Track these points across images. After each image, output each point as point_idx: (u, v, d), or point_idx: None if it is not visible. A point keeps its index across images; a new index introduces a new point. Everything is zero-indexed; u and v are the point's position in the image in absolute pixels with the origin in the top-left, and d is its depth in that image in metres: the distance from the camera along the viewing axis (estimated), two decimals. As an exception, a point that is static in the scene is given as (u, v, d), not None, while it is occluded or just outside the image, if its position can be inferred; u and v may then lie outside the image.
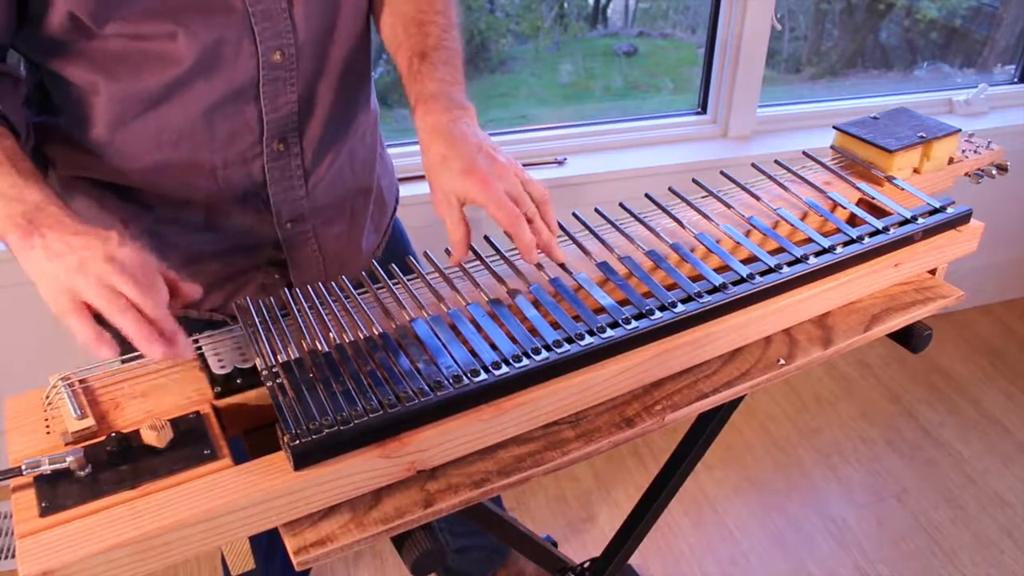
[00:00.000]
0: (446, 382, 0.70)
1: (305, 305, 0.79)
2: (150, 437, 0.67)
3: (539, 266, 0.84)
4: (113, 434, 0.67)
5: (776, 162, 1.03)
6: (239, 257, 0.99)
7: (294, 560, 0.65)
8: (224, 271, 0.98)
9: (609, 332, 0.76)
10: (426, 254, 0.88)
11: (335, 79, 0.94)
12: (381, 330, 0.76)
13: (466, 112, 0.87)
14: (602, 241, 0.88)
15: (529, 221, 0.81)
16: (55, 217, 0.72)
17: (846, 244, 0.87)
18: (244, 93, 0.87)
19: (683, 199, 0.95)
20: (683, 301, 0.79)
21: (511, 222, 0.79)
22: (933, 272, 0.96)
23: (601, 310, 0.79)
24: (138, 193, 0.92)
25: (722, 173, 1.00)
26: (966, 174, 1.08)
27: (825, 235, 0.89)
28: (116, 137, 0.87)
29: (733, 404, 0.97)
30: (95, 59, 0.82)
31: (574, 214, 0.92)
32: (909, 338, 0.93)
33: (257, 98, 0.88)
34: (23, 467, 0.64)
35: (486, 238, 0.89)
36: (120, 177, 0.90)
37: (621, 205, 0.94)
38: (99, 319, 0.69)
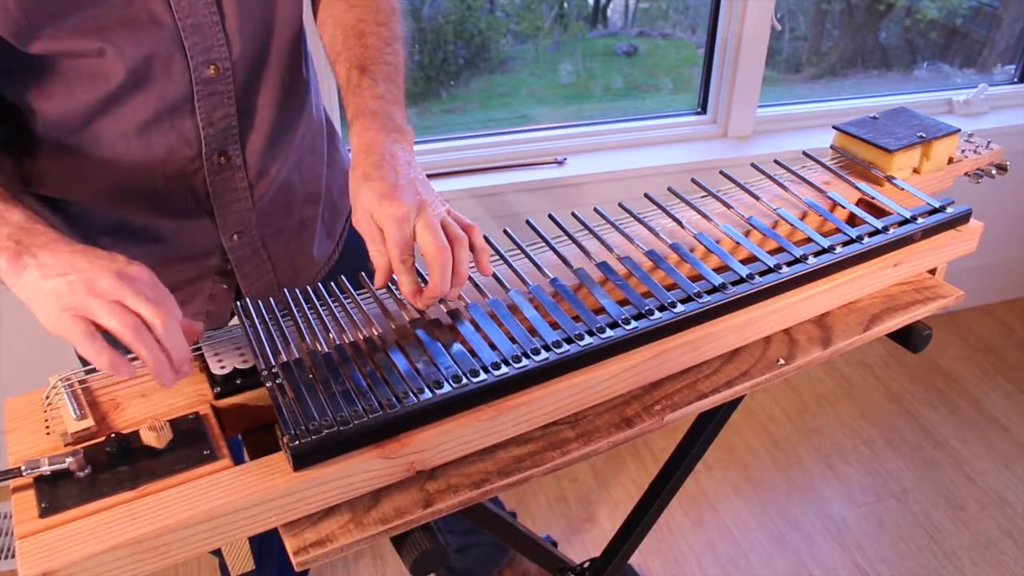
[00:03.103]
0: (445, 382, 0.70)
1: (305, 306, 0.79)
2: (149, 438, 0.67)
3: (535, 267, 0.84)
4: (113, 435, 0.67)
5: (776, 162, 1.03)
6: (184, 268, 0.98)
7: (294, 560, 0.65)
8: (168, 282, 0.97)
9: (608, 332, 0.76)
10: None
11: (274, 90, 0.92)
12: (381, 330, 0.76)
13: (403, 136, 0.84)
14: (601, 241, 0.88)
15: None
16: (45, 235, 0.70)
17: (845, 244, 0.87)
18: (179, 108, 0.86)
19: (683, 199, 0.95)
20: (682, 301, 0.79)
21: (399, 261, 0.75)
22: (933, 272, 0.96)
23: (601, 310, 0.79)
24: (77, 207, 0.90)
25: (722, 173, 1.00)
26: (966, 174, 1.08)
27: (825, 235, 0.89)
28: (53, 153, 0.85)
29: (733, 404, 0.97)
30: (26, 76, 0.80)
31: (574, 214, 0.92)
32: (909, 338, 0.93)
33: (193, 112, 0.86)
34: (23, 468, 0.64)
35: (485, 238, 0.89)
36: (60, 191, 0.89)
37: (621, 205, 0.94)
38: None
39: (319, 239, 1.08)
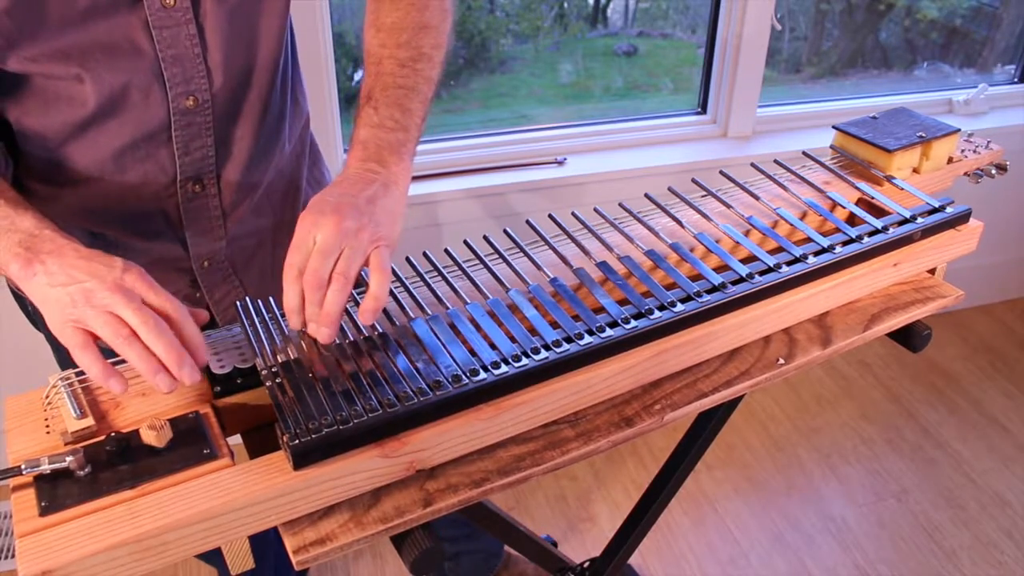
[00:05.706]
0: (445, 382, 0.70)
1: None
2: (149, 437, 0.67)
3: (538, 266, 0.84)
4: (113, 434, 0.67)
5: (776, 162, 1.03)
6: None
7: (294, 559, 0.65)
8: None
9: (608, 332, 0.76)
10: (425, 254, 0.88)
11: (253, 122, 0.91)
12: (381, 330, 0.76)
13: (384, 165, 0.81)
14: (601, 240, 0.88)
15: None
16: (53, 242, 0.71)
17: (845, 244, 0.87)
18: (155, 137, 0.85)
19: (682, 199, 0.95)
20: (682, 300, 0.79)
21: (286, 265, 0.73)
22: (932, 272, 0.96)
23: (601, 309, 0.79)
24: (53, 217, 0.90)
25: (721, 173, 1.00)
26: (965, 174, 1.08)
27: (824, 235, 0.89)
28: (32, 165, 0.85)
29: (732, 404, 0.97)
30: (5, 90, 0.80)
31: (574, 214, 0.92)
32: (908, 338, 0.93)
33: (170, 141, 0.86)
34: (23, 467, 0.64)
35: (485, 238, 0.89)
36: (37, 202, 0.87)
37: (621, 205, 0.95)
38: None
39: None
